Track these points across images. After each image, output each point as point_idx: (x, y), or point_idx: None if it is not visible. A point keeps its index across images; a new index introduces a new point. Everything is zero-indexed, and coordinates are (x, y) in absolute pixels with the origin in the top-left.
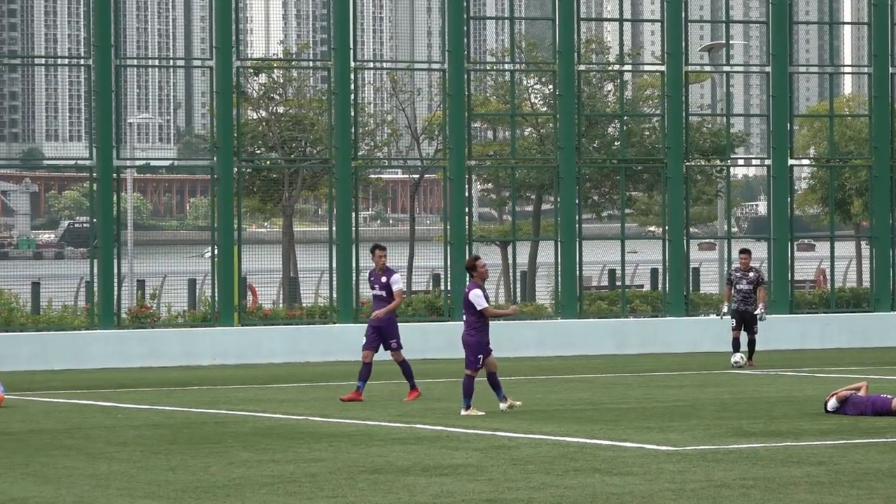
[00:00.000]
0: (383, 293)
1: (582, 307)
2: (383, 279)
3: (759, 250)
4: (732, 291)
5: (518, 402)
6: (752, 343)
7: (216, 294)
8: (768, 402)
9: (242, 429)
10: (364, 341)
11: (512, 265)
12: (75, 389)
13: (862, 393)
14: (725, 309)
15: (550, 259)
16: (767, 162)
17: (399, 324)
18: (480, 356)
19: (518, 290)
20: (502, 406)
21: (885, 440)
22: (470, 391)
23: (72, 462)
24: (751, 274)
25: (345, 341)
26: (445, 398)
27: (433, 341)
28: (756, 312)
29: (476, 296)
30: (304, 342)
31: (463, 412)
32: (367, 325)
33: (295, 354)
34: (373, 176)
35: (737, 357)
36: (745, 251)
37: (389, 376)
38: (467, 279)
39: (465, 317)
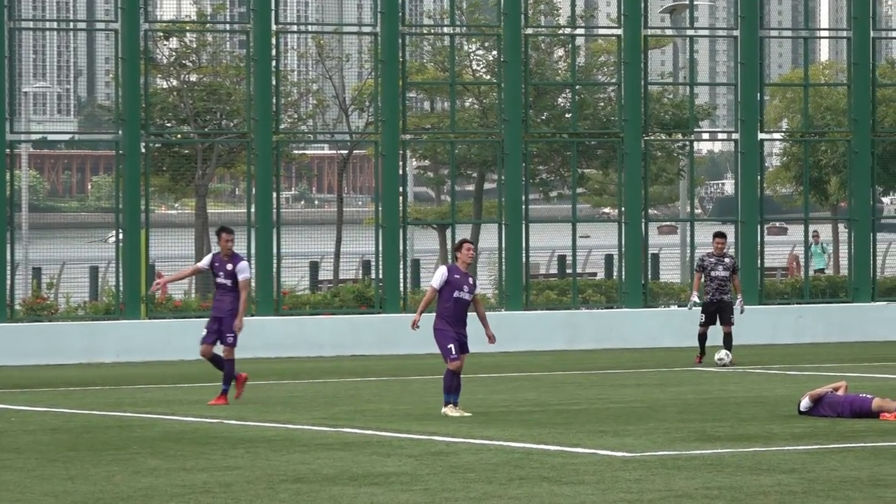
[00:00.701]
0: (228, 282)
1: (528, 297)
2: (229, 266)
3: (726, 234)
4: (704, 280)
5: (467, 414)
6: (728, 337)
7: (121, 283)
8: (735, 403)
9: (150, 433)
10: (203, 334)
11: (451, 251)
12: None
13: (841, 392)
14: (696, 299)
15: (494, 244)
16: (735, 136)
17: (325, 316)
18: (450, 346)
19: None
20: (444, 410)
21: (863, 445)
22: (447, 386)
23: None
24: (726, 260)
25: (265, 335)
26: (375, 399)
27: (363, 336)
28: (736, 305)
29: (435, 273)
30: None
31: (443, 409)
32: (210, 316)
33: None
34: (296, 152)
35: (721, 354)
36: (720, 235)
37: (312, 374)
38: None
39: None
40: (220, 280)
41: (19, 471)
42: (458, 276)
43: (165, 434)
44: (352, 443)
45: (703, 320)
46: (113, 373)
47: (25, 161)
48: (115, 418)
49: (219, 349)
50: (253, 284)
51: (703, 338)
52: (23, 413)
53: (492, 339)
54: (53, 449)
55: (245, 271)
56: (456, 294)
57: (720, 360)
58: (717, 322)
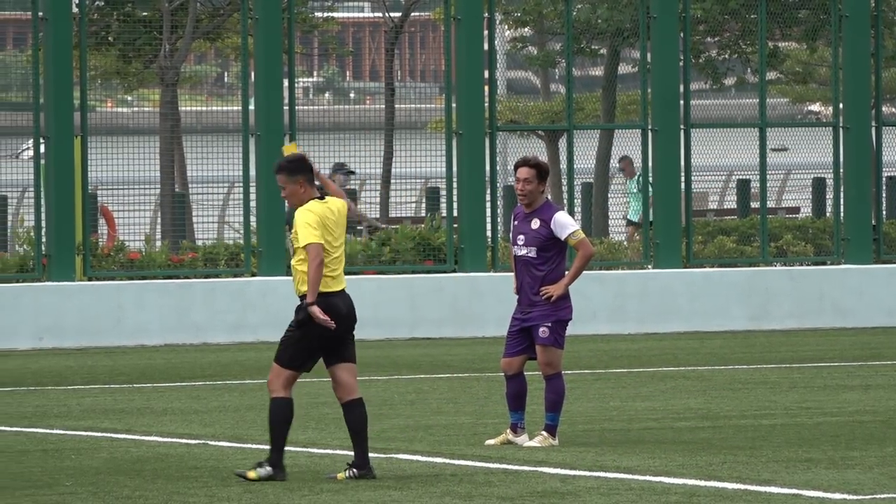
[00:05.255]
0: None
1: (691, 247)
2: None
3: None
4: None
5: (533, 443)
6: None
7: (43, 224)
8: None
9: (91, 461)
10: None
11: (567, 171)
12: None
13: None
14: None
15: (635, 161)
16: None
17: (368, 276)
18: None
19: (579, 210)
20: (515, 438)
21: None
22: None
23: None
24: None
25: (270, 307)
26: (449, 409)
27: (428, 308)
28: None
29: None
30: (199, 309)
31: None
32: None
33: (184, 330)
34: (318, 15)
35: None
36: None
37: None
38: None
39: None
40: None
41: None
42: (517, 223)
43: (115, 462)
44: (412, 476)
45: None
46: (32, 365)
47: None
48: (35, 438)
49: None
50: (254, 226)
51: None
52: None
53: (547, 298)
54: None
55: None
56: (514, 250)
57: None
58: None
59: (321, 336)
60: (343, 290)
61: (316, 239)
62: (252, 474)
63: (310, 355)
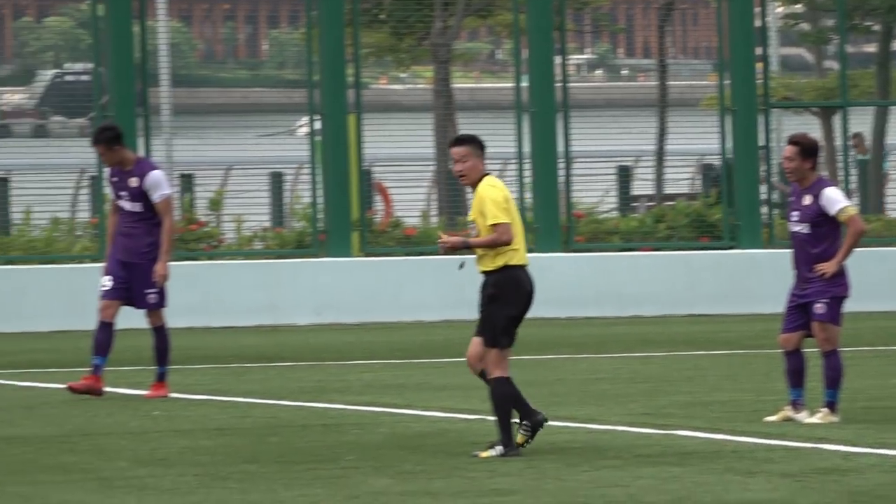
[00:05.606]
0: (138, 206)
1: None
2: (133, 180)
3: None
4: None
5: (814, 419)
6: None
7: (320, 200)
8: None
9: (372, 437)
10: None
11: (843, 147)
12: (56, 368)
13: None
14: None
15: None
16: None
17: (643, 253)
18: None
19: (855, 187)
20: (795, 415)
21: None
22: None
23: (72, 494)
24: None
25: (547, 284)
26: (728, 385)
27: (705, 284)
28: None
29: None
30: (476, 286)
31: (808, 416)
32: (112, 259)
33: (460, 306)
34: None
35: None
36: None
37: (624, 345)
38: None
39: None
40: (124, 202)
41: (168, 494)
42: (793, 199)
43: (396, 437)
44: (692, 453)
45: None
46: (323, 341)
47: (164, 6)
48: (316, 412)
49: None
50: (530, 203)
51: None
52: (172, 404)
53: (821, 275)
54: (221, 460)
55: (162, 185)
56: (789, 226)
57: None
58: None
59: (515, 308)
60: (525, 267)
61: (507, 218)
62: (484, 454)
63: (514, 327)
